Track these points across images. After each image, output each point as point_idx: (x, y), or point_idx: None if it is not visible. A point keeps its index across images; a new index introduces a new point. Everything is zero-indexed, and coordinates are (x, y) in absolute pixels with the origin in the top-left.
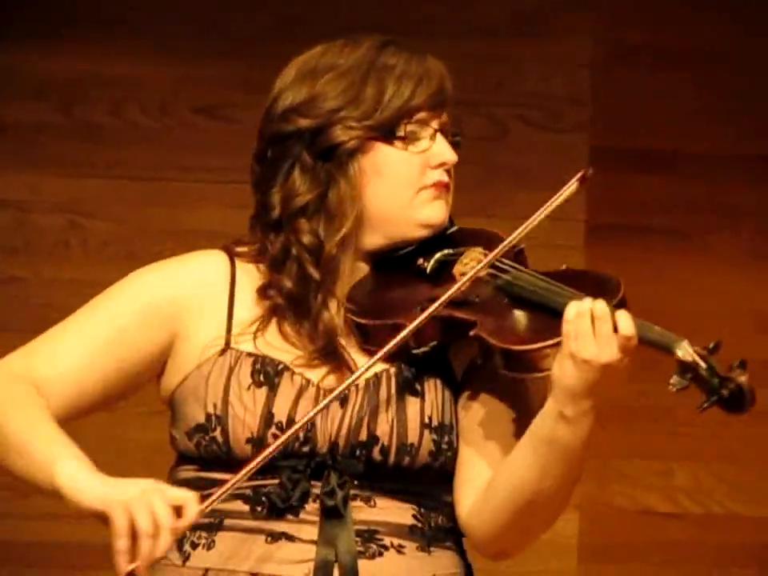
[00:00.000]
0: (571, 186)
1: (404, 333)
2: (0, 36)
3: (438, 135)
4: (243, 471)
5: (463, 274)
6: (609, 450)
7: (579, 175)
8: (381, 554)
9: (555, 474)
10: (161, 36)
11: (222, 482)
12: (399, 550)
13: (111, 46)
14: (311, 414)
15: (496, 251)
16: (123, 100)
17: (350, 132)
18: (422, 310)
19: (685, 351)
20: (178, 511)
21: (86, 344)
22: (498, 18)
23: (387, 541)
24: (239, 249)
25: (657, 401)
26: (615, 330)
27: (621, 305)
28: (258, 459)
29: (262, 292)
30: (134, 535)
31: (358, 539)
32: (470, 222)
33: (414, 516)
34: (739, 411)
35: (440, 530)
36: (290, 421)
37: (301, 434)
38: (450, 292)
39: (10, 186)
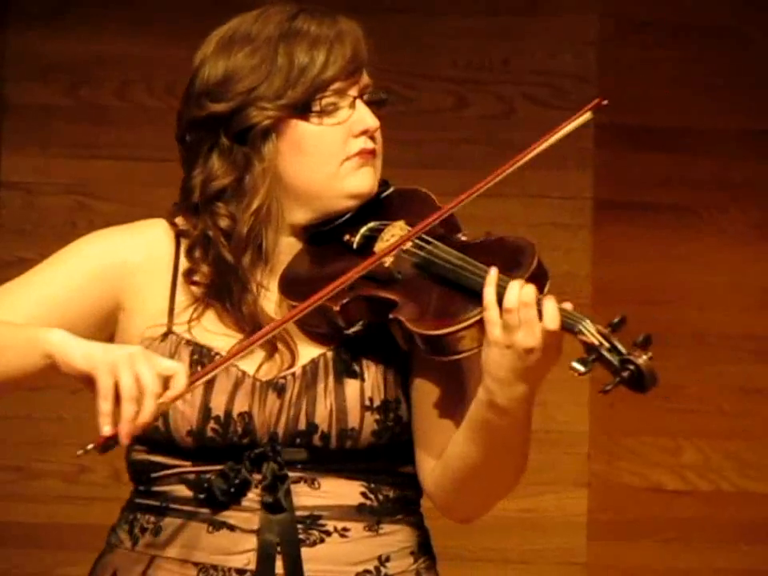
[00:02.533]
0: (584, 115)
1: (298, 310)
2: (7, 18)
3: (358, 102)
4: (235, 351)
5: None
6: (617, 428)
7: (594, 102)
8: (323, 541)
9: (497, 453)
10: (167, 17)
11: (168, 467)
12: (343, 533)
13: (118, 28)
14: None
15: (417, 228)
16: (130, 81)
17: (264, 113)
18: (350, 289)
19: (587, 331)
20: (166, 382)
21: (40, 302)
22: None
23: (330, 525)
24: (181, 225)
25: (665, 378)
26: (540, 317)
27: (537, 275)
28: (261, 333)
29: (188, 277)
30: (118, 399)
31: (299, 526)
32: (477, 201)
33: (362, 493)
34: (641, 391)
35: (391, 502)
36: (227, 414)
37: (239, 427)
38: (343, 279)
39: (18, 167)
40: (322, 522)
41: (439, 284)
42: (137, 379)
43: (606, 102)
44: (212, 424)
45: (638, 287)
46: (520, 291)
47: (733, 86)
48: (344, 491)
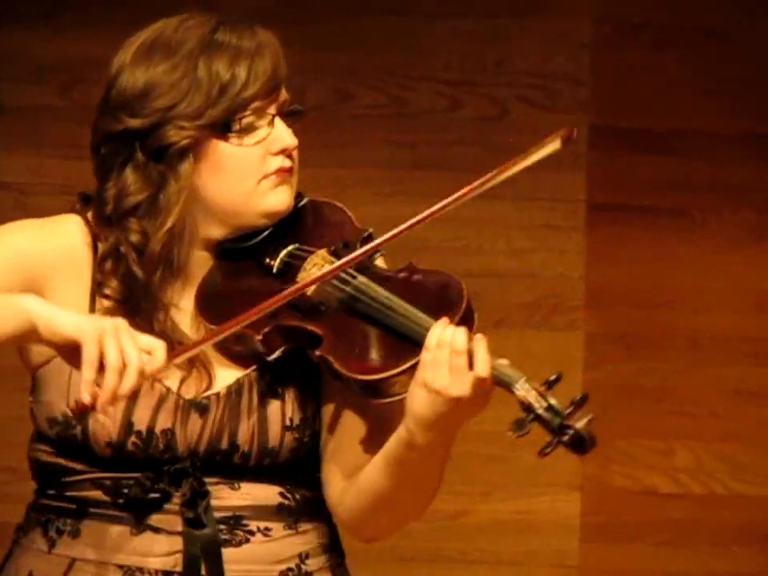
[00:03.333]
0: (553, 143)
1: (218, 331)
2: (0, 18)
3: (277, 120)
4: (235, 321)
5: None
6: (610, 430)
7: (563, 132)
8: (248, 540)
9: (412, 485)
10: (160, 17)
11: (80, 472)
12: (266, 533)
13: (111, 29)
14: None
15: (341, 263)
16: None
17: (182, 132)
18: (272, 317)
19: (522, 389)
20: (148, 354)
21: None
22: None
23: (253, 525)
24: (96, 227)
25: (658, 380)
26: (471, 366)
27: (466, 317)
28: (263, 305)
29: (99, 290)
30: (101, 369)
31: (223, 527)
32: (470, 203)
33: (280, 494)
34: (581, 453)
35: (307, 501)
36: (150, 430)
37: (161, 443)
38: (264, 305)
39: (11, 168)
40: (244, 522)
41: (366, 323)
42: (121, 351)
43: (575, 136)
44: (133, 438)
45: (632, 290)
46: (452, 336)
47: (728, 89)
48: (263, 493)
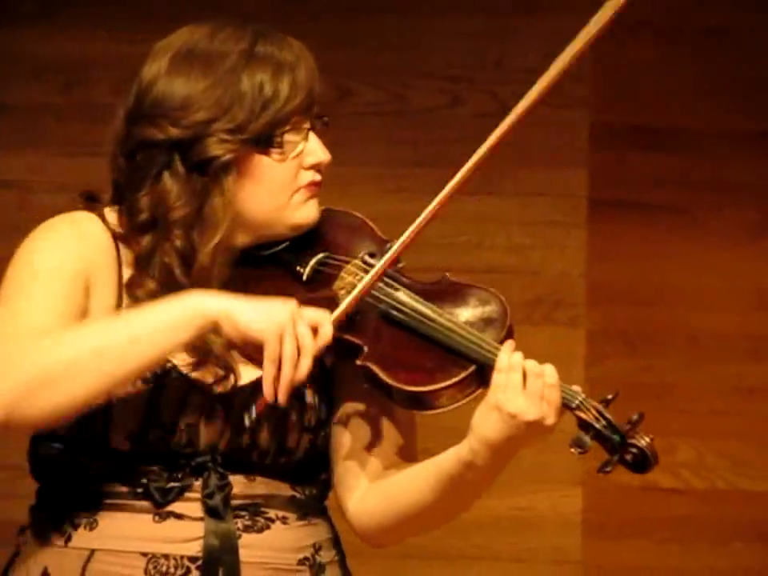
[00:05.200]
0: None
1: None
2: (1, 17)
3: (311, 134)
4: (368, 278)
5: (342, 289)
6: None
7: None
8: (268, 527)
9: (453, 503)
10: (160, 16)
11: (93, 468)
12: (284, 521)
13: (111, 27)
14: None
15: (379, 265)
16: (123, 80)
17: (225, 145)
18: None
19: (582, 407)
20: (314, 331)
21: (57, 310)
22: None
23: (272, 513)
24: (111, 223)
25: (659, 377)
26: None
27: (509, 335)
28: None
29: (130, 289)
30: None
31: (245, 514)
32: (472, 200)
33: (291, 487)
34: (641, 473)
35: (314, 498)
36: (174, 424)
37: (184, 437)
38: (336, 314)
39: (12, 166)
40: (263, 509)
41: (406, 333)
42: (297, 340)
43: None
44: (156, 431)
45: (633, 287)
46: (522, 358)
47: (728, 87)
48: (277, 485)
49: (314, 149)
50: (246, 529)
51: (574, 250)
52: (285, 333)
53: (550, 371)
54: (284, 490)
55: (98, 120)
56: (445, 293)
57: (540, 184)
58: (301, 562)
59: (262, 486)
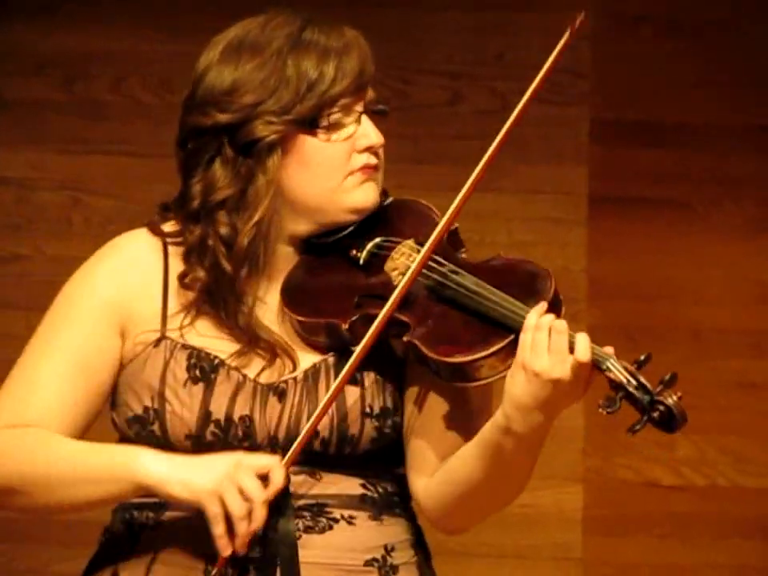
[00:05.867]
0: (561, 43)
1: (354, 356)
2: (1, 13)
3: (363, 117)
4: (356, 354)
5: (395, 270)
6: (612, 423)
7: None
8: (331, 527)
9: (504, 474)
10: (161, 12)
11: None
12: (350, 521)
13: (112, 23)
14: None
15: (428, 245)
16: (124, 76)
17: (270, 127)
18: (358, 306)
19: (614, 368)
20: (263, 478)
21: (62, 372)
22: None
23: (337, 513)
24: (166, 229)
25: (660, 372)
26: (571, 350)
27: (554, 304)
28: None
29: (182, 281)
30: (228, 517)
31: (306, 514)
32: (472, 196)
33: (362, 485)
34: (669, 431)
35: (389, 496)
36: (228, 418)
37: (240, 431)
38: (390, 302)
39: (12, 163)
40: (328, 509)
41: (453, 308)
42: (242, 494)
43: (582, 18)
44: (212, 428)
45: (633, 282)
46: (553, 319)
47: (728, 81)
48: (345, 483)
49: (366, 132)
50: (307, 529)
51: (574, 246)
52: (224, 493)
53: (564, 325)
54: (353, 487)
55: (99, 117)
56: (494, 268)
57: (541, 181)
58: (368, 563)
59: (327, 485)
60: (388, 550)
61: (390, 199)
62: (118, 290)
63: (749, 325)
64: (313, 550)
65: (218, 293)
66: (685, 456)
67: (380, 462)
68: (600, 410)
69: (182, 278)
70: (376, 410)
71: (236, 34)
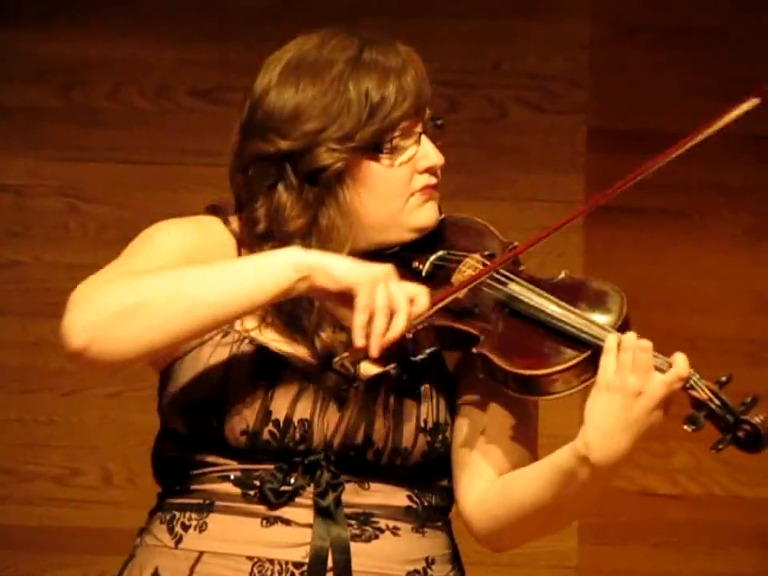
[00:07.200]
0: (742, 108)
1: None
2: (0, 20)
3: (423, 138)
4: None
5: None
6: None
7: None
8: (377, 537)
9: (571, 501)
10: (159, 19)
11: (210, 464)
12: (394, 532)
13: (110, 30)
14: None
15: (499, 260)
16: (122, 83)
17: (334, 154)
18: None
19: (696, 387)
20: (411, 302)
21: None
22: None
23: (383, 523)
24: (235, 230)
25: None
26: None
27: (624, 325)
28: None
29: None
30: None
31: (353, 522)
32: (469, 205)
33: (408, 497)
34: (753, 451)
35: (433, 509)
36: (288, 420)
37: (297, 433)
38: (446, 300)
39: (10, 169)
40: (374, 519)
41: (524, 323)
42: (390, 296)
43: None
44: (270, 427)
45: (630, 291)
46: (636, 337)
47: (725, 90)
48: (392, 494)
49: (427, 152)
50: (354, 538)
51: (571, 255)
52: (378, 285)
53: (650, 344)
54: (399, 499)
55: (97, 124)
56: (562, 286)
57: (537, 189)
58: (410, 574)
59: (375, 495)
60: (429, 562)
61: (443, 216)
62: (199, 248)
63: (746, 334)
64: (359, 558)
65: (295, 313)
66: (681, 465)
67: (427, 475)
68: (685, 427)
69: None
70: (430, 424)
71: (293, 56)
